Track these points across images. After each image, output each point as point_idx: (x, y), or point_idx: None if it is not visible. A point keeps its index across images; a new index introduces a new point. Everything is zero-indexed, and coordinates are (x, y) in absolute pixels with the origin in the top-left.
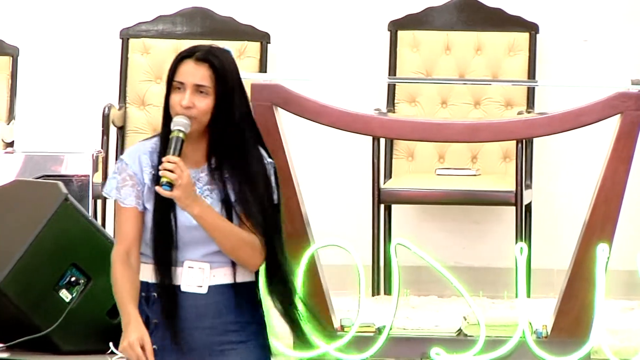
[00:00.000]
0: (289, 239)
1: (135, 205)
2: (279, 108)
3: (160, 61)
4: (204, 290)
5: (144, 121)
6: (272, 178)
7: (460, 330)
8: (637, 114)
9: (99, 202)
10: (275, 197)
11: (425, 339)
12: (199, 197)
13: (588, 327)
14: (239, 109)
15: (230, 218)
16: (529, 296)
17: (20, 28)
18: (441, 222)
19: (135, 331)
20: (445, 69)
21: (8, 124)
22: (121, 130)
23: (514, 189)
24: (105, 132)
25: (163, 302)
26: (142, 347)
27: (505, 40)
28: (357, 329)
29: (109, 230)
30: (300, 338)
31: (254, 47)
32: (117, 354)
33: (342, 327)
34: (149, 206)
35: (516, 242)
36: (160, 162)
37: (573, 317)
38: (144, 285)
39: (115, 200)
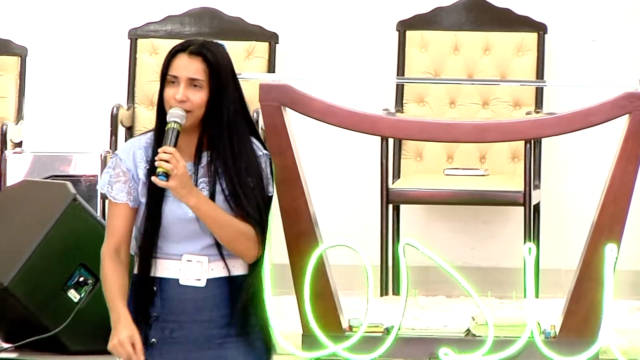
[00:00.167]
0: (297, 239)
1: (127, 202)
2: (287, 108)
3: None
4: (202, 283)
5: (152, 121)
6: (267, 170)
7: (468, 330)
8: None
9: (107, 202)
10: (270, 189)
11: (433, 339)
12: (195, 188)
13: (596, 327)
14: (233, 102)
15: (225, 210)
16: (537, 296)
17: (28, 28)
18: (449, 222)
19: (125, 329)
20: (453, 69)
21: (16, 124)
22: (129, 130)
23: (522, 189)
24: (114, 132)
25: (138, 290)
26: (133, 345)
27: (514, 40)
28: (365, 329)
29: None
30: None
31: (262, 47)
32: None
33: (351, 327)
34: (144, 200)
35: (524, 242)
36: (155, 155)
37: (581, 317)
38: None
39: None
